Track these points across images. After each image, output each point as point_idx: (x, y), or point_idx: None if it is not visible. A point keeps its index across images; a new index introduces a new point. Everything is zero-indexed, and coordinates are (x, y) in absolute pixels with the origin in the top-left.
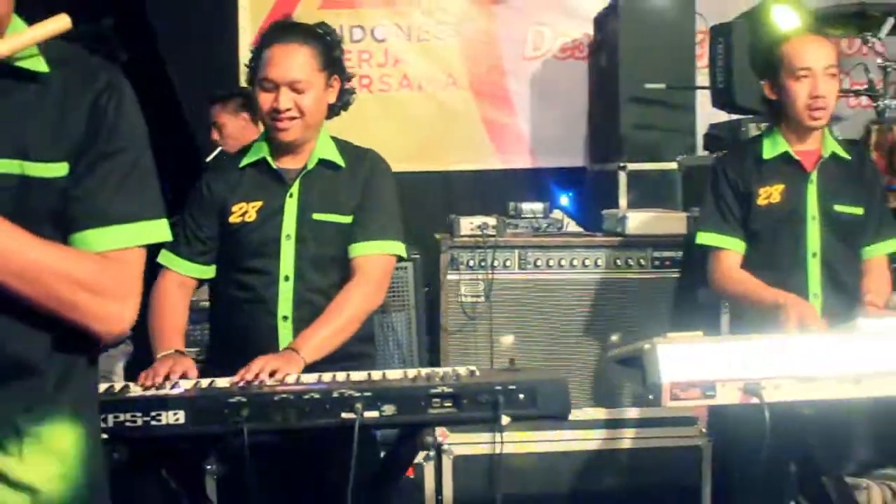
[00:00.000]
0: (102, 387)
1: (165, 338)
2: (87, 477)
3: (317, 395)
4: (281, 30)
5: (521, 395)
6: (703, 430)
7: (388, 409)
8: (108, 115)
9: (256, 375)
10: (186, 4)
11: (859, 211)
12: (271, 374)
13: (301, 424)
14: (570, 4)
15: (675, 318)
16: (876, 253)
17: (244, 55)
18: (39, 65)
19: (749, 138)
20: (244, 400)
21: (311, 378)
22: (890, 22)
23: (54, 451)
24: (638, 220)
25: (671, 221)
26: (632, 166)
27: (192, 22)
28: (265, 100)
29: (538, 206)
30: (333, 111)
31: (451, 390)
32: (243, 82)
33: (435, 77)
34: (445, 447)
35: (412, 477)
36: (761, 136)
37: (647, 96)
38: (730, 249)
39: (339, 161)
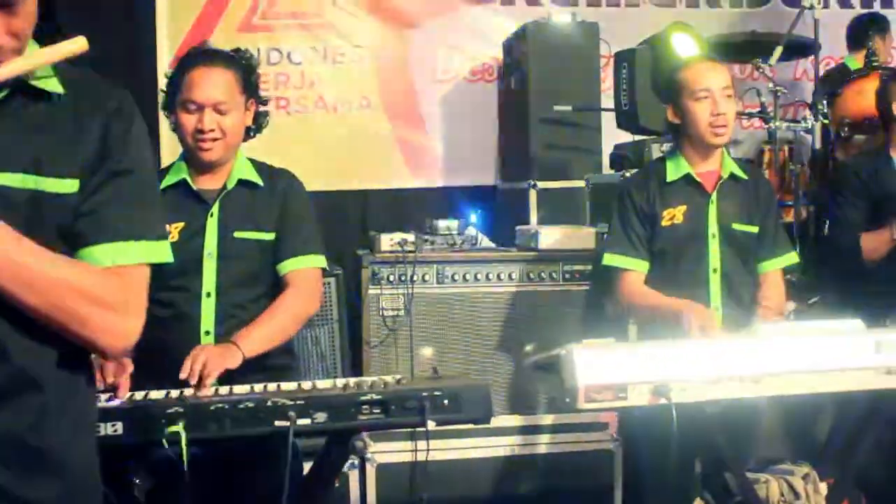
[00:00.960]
0: None
1: None
2: (88, 495)
3: (251, 405)
4: (202, 54)
5: (446, 401)
6: (614, 434)
7: (320, 417)
8: (119, 137)
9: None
10: (103, 25)
11: (755, 229)
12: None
13: (236, 433)
14: (480, 29)
15: (585, 328)
16: (772, 267)
17: (163, 76)
18: (55, 86)
19: (652, 162)
20: (181, 410)
21: (243, 389)
22: (779, 50)
23: (58, 469)
24: (550, 236)
25: (580, 237)
26: (541, 184)
27: (111, 42)
28: (188, 121)
29: (453, 223)
30: (249, 133)
31: (379, 397)
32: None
33: (350, 99)
34: (368, 455)
35: (337, 485)
36: (664, 160)
37: (555, 118)
38: (635, 270)
39: (258, 180)
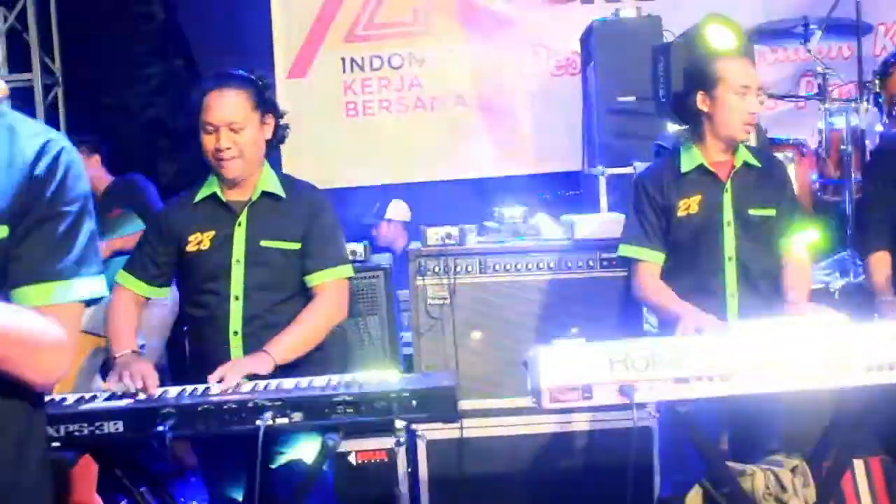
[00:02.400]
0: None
1: (122, 339)
2: None
3: (234, 405)
4: (215, 79)
5: (414, 402)
6: (653, 411)
7: (296, 416)
8: (49, 181)
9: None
10: (224, 44)
11: (771, 212)
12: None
13: (221, 431)
14: (562, 27)
15: (624, 311)
16: (790, 244)
17: (280, 86)
18: None
19: (667, 153)
20: (172, 411)
21: (247, 386)
22: (818, 33)
23: (4, 488)
24: (585, 226)
25: (614, 225)
26: (609, 171)
27: (231, 58)
28: (208, 142)
29: (517, 211)
30: (271, 146)
31: (351, 398)
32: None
33: (446, 97)
34: (420, 432)
35: (385, 460)
36: (678, 151)
37: (621, 107)
38: (648, 261)
39: (281, 193)
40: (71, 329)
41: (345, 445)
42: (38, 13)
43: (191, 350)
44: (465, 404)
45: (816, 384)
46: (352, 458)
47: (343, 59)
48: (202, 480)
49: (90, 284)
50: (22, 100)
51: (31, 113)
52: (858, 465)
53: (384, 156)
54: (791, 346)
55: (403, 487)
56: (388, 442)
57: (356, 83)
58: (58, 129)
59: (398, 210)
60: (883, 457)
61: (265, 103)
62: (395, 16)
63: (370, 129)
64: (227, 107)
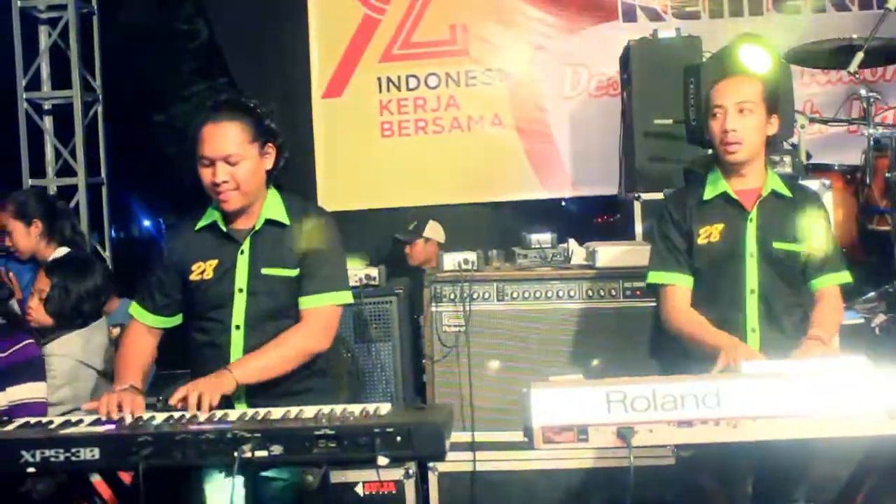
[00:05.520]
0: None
1: (126, 373)
2: None
3: (212, 436)
4: (212, 109)
5: (399, 438)
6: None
7: (276, 449)
8: None
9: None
10: (263, 65)
11: (798, 248)
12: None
13: (198, 462)
14: (603, 46)
15: (654, 343)
16: (825, 284)
17: (316, 106)
18: None
19: (693, 179)
20: (149, 439)
21: (234, 415)
22: (859, 56)
23: None
24: (607, 254)
25: (638, 254)
26: (645, 196)
27: (270, 78)
28: (206, 175)
29: (545, 237)
30: (272, 174)
31: (333, 432)
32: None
33: (483, 118)
34: (431, 464)
35: (394, 492)
36: (705, 177)
37: (658, 131)
38: (677, 285)
39: (285, 220)
40: None
41: (352, 476)
42: (81, 30)
43: (192, 375)
44: (479, 436)
45: (833, 432)
46: (359, 489)
47: (379, 79)
48: None
49: None
50: (62, 117)
51: (71, 129)
52: None
53: (419, 177)
54: (806, 391)
55: None
56: (397, 473)
57: (392, 103)
58: (97, 145)
59: (435, 230)
60: None
61: (265, 133)
62: (433, 35)
63: (406, 150)
64: (221, 140)
